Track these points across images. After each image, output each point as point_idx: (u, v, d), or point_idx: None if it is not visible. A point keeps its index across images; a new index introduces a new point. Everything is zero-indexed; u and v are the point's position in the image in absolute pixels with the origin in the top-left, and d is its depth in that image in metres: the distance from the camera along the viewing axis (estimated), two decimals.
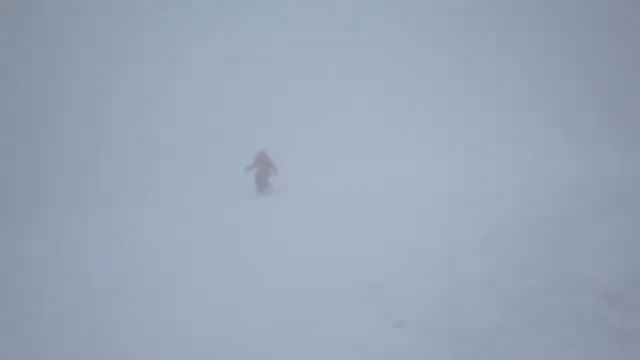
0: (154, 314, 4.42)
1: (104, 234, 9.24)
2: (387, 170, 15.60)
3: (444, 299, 3.59)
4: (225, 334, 3.82)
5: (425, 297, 3.73)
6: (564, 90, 22.61)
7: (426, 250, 4.91)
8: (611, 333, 2.84)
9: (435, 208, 7.10)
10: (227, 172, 17.03)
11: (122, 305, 4.62)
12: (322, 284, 4.62)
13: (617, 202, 5.15)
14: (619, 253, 3.71)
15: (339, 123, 24.24)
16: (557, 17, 25.85)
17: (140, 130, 21.77)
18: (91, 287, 5.34)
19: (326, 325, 3.73)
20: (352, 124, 24.13)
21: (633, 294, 3.16)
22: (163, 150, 20.62)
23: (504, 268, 3.98)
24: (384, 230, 6.43)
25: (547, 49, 25.53)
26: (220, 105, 24.75)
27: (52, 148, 19.43)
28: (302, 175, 14.86)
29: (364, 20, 29.98)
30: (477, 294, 3.61)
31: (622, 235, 4.02)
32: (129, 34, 25.85)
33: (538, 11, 26.56)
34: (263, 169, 12.45)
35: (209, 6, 28.86)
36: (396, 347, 3.24)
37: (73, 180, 17.13)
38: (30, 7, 23.74)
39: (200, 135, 22.56)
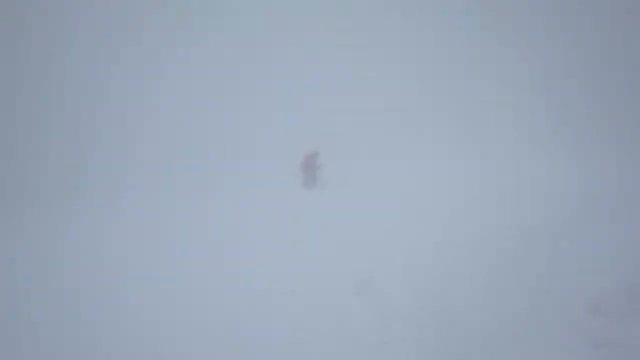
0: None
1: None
2: (385, 170, 15.67)
3: (432, 309, 3.67)
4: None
5: (414, 307, 3.81)
6: (564, 93, 22.57)
7: (417, 258, 5.00)
8: (593, 343, 2.92)
9: (424, 213, 7.16)
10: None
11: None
12: (313, 286, 4.70)
13: (608, 211, 5.21)
14: (605, 263, 3.79)
15: (343, 124, 24.37)
16: (557, 18, 25.84)
17: (141, 131, 21.85)
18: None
19: (317, 321, 3.82)
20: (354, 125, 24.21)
21: (615, 304, 3.24)
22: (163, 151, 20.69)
23: (491, 277, 4.06)
24: (377, 232, 6.49)
25: (548, 50, 25.50)
26: (220, 106, 24.83)
27: (48, 147, 19.52)
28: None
29: (367, 20, 30.07)
30: (463, 303, 3.69)
31: (610, 245, 4.09)
32: (128, 35, 25.93)
33: (538, 15, 26.52)
34: (310, 164, 13.04)
35: (210, 6, 28.99)
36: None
37: (72, 179, 17.21)
38: (30, 8, 23.81)
39: (204, 136, 22.67)
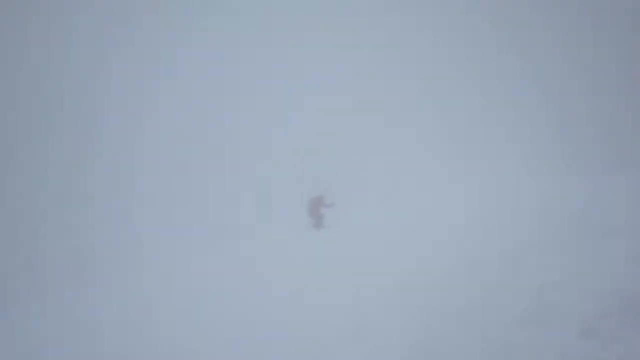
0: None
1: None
2: (383, 193, 15.73)
3: (424, 333, 3.73)
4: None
5: (405, 332, 3.87)
6: (568, 113, 22.32)
7: (407, 282, 5.04)
8: None
9: (417, 237, 7.16)
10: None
11: None
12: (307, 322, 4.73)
13: (603, 232, 5.23)
14: (599, 284, 3.83)
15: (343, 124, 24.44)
16: (556, 20, 25.73)
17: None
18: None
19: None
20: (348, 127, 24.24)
21: (607, 325, 3.28)
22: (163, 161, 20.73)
23: (485, 300, 4.11)
24: (364, 260, 6.49)
25: (548, 54, 25.34)
26: (220, 106, 24.87)
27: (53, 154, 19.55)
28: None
29: (367, 20, 30.05)
30: (456, 327, 3.74)
31: (604, 265, 4.13)
32: (127, 39, 25.91)
33: (538, 24, 26.36)
34: (316, 207, 12.94)
35: (210, 6, 28.99)
36: None
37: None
38: (30, 8, 23.79)
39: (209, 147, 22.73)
